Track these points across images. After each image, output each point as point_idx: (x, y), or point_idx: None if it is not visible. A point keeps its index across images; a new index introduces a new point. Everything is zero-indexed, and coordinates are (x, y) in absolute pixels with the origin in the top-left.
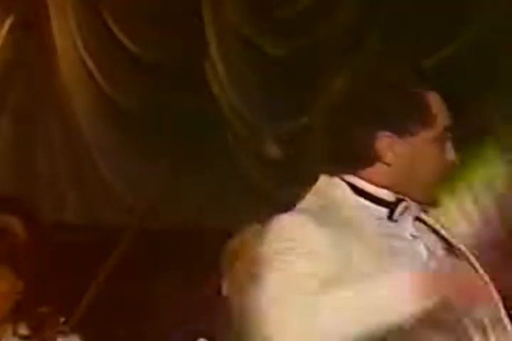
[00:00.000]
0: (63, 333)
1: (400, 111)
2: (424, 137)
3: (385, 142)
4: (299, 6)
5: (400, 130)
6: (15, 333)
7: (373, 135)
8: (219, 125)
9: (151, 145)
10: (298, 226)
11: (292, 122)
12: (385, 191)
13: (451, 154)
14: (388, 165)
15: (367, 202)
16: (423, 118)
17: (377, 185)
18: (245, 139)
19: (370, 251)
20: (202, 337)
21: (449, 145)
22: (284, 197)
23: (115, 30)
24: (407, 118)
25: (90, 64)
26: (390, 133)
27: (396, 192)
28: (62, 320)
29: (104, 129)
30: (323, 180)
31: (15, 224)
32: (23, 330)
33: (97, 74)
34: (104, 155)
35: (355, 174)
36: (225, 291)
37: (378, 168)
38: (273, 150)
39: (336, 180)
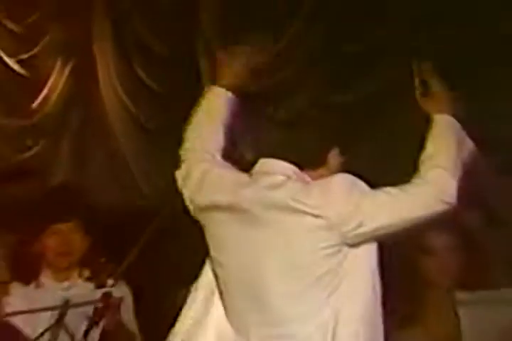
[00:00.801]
0: (113, 277)
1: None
2: None
3: (333, 155)
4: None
5: (344, 150)
6: (80, 275)
7: (328, 149)
8: None
9: (164, 152)
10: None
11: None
12: None
13: None
14: (330, 171)
15: None
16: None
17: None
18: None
19: None
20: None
21: None
22: None
23: (142, 75)
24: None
25: (125, 98)
26: (336, 151)
27: None
28: (113, 267)
29: (133, 141)
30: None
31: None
32: (86, 274)
33: (129, 105)
34: (133, 160)
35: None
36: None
37: (322, 171)
38: (248, 155)
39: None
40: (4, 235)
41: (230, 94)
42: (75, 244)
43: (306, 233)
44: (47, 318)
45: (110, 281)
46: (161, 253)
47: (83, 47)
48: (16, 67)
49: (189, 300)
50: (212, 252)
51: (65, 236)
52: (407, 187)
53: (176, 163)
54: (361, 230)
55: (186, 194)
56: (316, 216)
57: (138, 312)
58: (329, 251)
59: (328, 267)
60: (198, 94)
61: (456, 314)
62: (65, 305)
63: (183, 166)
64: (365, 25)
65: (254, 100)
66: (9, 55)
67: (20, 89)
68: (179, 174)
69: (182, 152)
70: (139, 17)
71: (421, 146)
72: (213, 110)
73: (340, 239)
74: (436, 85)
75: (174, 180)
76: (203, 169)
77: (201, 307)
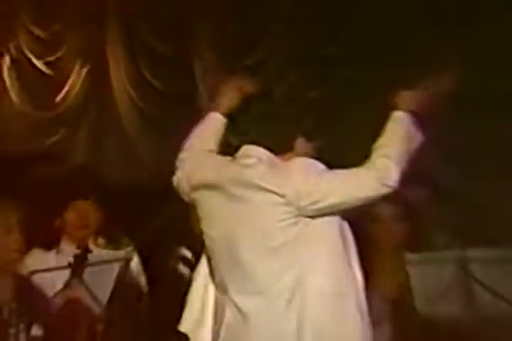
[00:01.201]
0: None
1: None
2: None
3: (300, 143)
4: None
5: (308, 139)
6: (95, 242)
7: (294, 138)
8: None
9: (166, 137)
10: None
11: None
12: None
13: None
14: (297, 155)
15: None
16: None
17: None
18: None
19: None
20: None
21: None
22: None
23: (147, 76)
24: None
25: (134, 94)
26: (302, 139)
27: None
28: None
29: (139, 130)
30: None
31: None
32: (101, 241)
33: (137, 100)
34: (140, 145)
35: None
36: None
37: (289, 155)
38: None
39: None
40: (25, 209)
41: (225, 120)
42: (91, 219)
43: (270, 207)
44: (65, 280)
45: (126, 239)
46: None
47: (98, 52)
48: (43, 67)
49: (193, 287)
50: (204, 228)
51: (84, 212)
52: (359, 170)
53: (177, 149)
54: (317, 206)
55: (182, 189)
56: (277, 193)
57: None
58: (287, 222)
59: (286, 236)
60: (194, 92)
61: (406, 273)
62: (79, 261)
63: (178, 172)
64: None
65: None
66: (37, 58)
67: (46, 87)
68: (175, 178)
69: (178, 162)
70: (145, 24)
71: (377, 136)
72: (210, 130)
73: (298, 212)
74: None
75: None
76: (194, 163)
77: (203, 291)
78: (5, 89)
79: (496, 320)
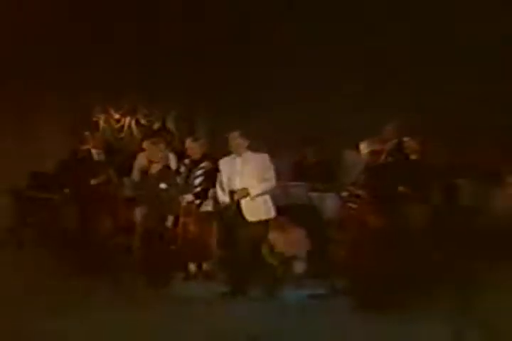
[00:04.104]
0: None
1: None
2: None
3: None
4: None
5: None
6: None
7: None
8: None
9: None
10: None
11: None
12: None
13: None
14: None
15: None
16: None
17: None
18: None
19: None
20: None
21: None
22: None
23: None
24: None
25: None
26: (242, 135)
27: None
28: None
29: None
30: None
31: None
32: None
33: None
34: None
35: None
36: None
37: None
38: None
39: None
40: None
41: None
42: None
43: None
44: None
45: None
46: None
47: (163, 118)
48: (145, 123)
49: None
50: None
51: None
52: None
53: None
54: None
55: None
56: None
57: None
58: None
59: None
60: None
61: None
62: None
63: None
64: None
65: None
66: (143, 118)
67: (143, 130)
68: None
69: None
70: None
71: None
72: None
73: None
74: None
75: None
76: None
77: None
78: (131, 133)
79: None
